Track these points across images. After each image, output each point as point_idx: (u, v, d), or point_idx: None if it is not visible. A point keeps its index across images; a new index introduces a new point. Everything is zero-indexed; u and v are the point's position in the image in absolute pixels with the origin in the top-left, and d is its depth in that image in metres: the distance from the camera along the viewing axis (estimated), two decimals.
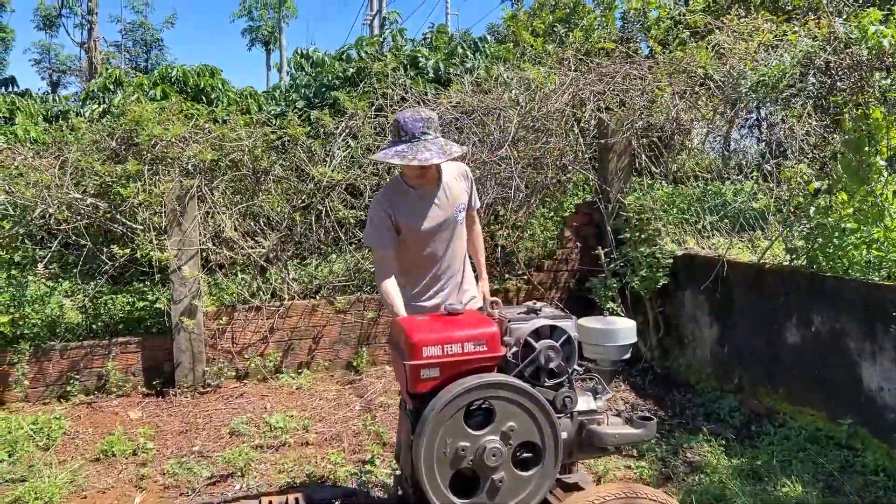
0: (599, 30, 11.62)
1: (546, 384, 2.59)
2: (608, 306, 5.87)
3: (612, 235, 6.16)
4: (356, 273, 6.45)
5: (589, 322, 2.83)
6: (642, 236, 5.73)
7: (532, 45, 10.00)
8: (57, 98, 11.92)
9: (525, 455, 2.51)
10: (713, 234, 6.10)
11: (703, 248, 5.71)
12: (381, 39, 9.85)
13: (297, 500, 2.83)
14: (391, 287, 3.04)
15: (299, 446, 4.60)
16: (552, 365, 2.57)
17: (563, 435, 2.59)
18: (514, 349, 2.59)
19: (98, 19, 19.66)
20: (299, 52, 11.24)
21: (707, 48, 5.76)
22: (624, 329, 2.80)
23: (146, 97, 8.52)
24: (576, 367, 2.67)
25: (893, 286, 3.80)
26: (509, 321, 2.65)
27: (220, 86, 9.66)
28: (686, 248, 5.76)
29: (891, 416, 3.86)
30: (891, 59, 3.97)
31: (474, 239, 3.49)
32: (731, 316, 5.17)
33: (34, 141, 7.73)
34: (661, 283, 5.64)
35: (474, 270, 3.53)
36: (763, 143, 5.46)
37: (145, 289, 6.32)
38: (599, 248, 6.07)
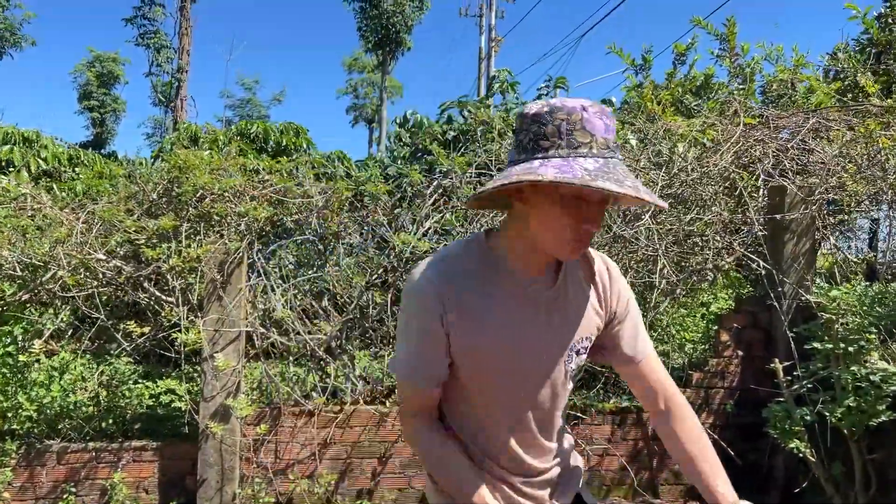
0: (742, 102, 10.17)
1: None
2: (793, 446, 4.12)
3: (793, 345, 4.47)
4: None
5: None
6: (849, 349, 4.00)
7: (659, 116, 8.61)
8: (144, 161, 11.28)
9: None
10: None
11: None
12: (488, 101, 8.63)
13: None
14: (440, 443, 1.63)
15: None
16: None
17: None
18: None
19: (188, 77, 19.58)
20: (398, 119, 10.24)
21: None
22: None
23: (220, 153, 7.53)
24: None
25: None
26: None
27: (306, 146, 8.62)
28: None
29: None
30: None
31: (691, 439, 1.70)
32: None
33: (84, 195, 6.78)
34: (877, 421, 3.86)
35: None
36: None
37: (188, 374, 5.06)
38: (776, 360, 4.36)
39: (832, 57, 9.12)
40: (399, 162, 8.74)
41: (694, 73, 11.18)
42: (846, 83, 7.34)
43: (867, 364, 3.97)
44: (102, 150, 11.75)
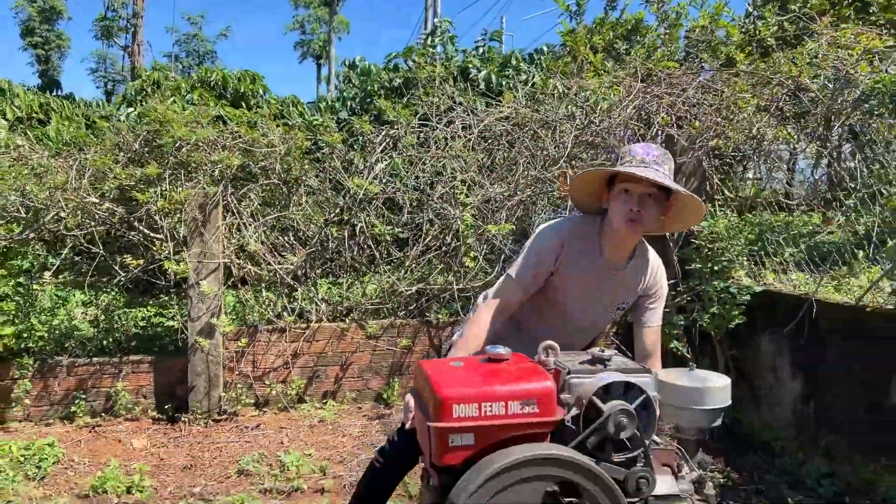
0: (662, 49, 10.99)
1: (615, 460, 1.96)
2: (672, 346, 5.18)
3: (679, 266, 5.48)
4: (391, 295, 5.88)
5: (673, 377, 2.19)
6: (715, 268, 5.04)
7: (591, 61, 9.42)
8: (99, 103, 11.70)
9: None
10: (790, 270, 5.38)
11: (785, 285, 4.98)
12: (431, 49, 9.35)
13: None
14: (480, 326, 2.51)
15: (313, 493, 4.01)
16: (624, 435, 1.93)
17: None
18: (575, 412, 1.96)
19: (143, 23, 19.63)
20: (347, 62, 10.85)
21: (794, 59, 5.08)
22: (718, 388, 2.16)
23: (183, 101, 8.14)
24: (655, 438, 2.04)
25: None
26: (569, 373, 2.02)
27: (262, 92, 9.26)
28: (765, 284, 5.05)
29: None
30: None
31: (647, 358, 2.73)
32: (821, 368, 4.44)
33: (66, 143, 7.38)
34: (734, 323, 4.92)
35: None
36: (858, 168, 4.75)
37: (164, 302, 5.88)
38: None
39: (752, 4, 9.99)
40: (349, 104, 9.45)
41: (627, 17, 11.96)
42: (747, 37, 8.25)
43: (729, 280, 5.02)
44: (59, 93, 12.05)
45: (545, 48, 9.51)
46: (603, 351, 2.11)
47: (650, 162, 2.43)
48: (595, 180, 2.56)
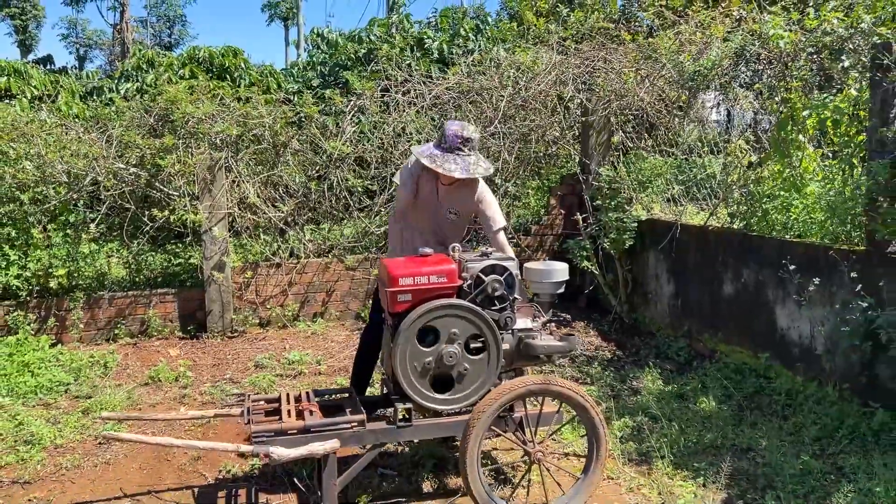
0: (599, 10, 12.29)
1: (493, 308, 3.44)
2: (584, 265, 6.69)
3: (590, 203, 6.96)
4: (364, 236, 7.31)
5: (533, 265, 3.68)
6: (613, 203, 6.53)
7: (535, 25, 10.73)
8: (89, 74, 12.81)
9: (476, 346, 3.39)
10: (682, 202, 6.87)
11: (664, 214, 6.50)
12: (389, 21, 10.63)
13: (307, 393, 3.72)
14: (393, 226, 4.14)
15: (313, 375, 5.52)
16: (497, 294, 3.41)
17: (506, 346, 3.45)
18: (469, 282, 3.43)
19: (129, 1, 20.45)
20: (315, 31, 12.08)
21: (671, 37, 6.50)
22: (558, 270, 3.65)
23: (176, 76, 9.37)
24: (516, 296, 3.52)
25: (793, 242, 4.62)
26: (466, 261, 3.49)
27: (243, 65, 10.50)
28: (651, 214, 6.56)
29: (795, 350, 4.69)
30: (789, 57, 4.74)
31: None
32: (684, 272, 5.99)
33: (76, 117, 8.62)
34: (627, 245, 6.43)
35: None
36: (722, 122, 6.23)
37: (179, 249, 7.27)
38: (578, 214, 6.88)
39: None
40: (319, 68, 10.71)
41: None
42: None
43: (623, 212, 6.51)
44: (51, 67, 13.09)
45: (489, 18, 10.79)
46: (488, 248, 3.59)
47: (454, 147, 3.71)
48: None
